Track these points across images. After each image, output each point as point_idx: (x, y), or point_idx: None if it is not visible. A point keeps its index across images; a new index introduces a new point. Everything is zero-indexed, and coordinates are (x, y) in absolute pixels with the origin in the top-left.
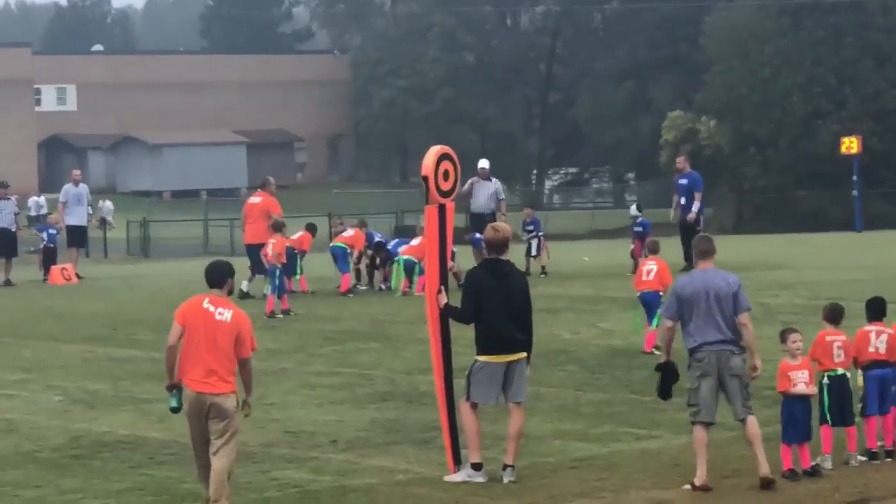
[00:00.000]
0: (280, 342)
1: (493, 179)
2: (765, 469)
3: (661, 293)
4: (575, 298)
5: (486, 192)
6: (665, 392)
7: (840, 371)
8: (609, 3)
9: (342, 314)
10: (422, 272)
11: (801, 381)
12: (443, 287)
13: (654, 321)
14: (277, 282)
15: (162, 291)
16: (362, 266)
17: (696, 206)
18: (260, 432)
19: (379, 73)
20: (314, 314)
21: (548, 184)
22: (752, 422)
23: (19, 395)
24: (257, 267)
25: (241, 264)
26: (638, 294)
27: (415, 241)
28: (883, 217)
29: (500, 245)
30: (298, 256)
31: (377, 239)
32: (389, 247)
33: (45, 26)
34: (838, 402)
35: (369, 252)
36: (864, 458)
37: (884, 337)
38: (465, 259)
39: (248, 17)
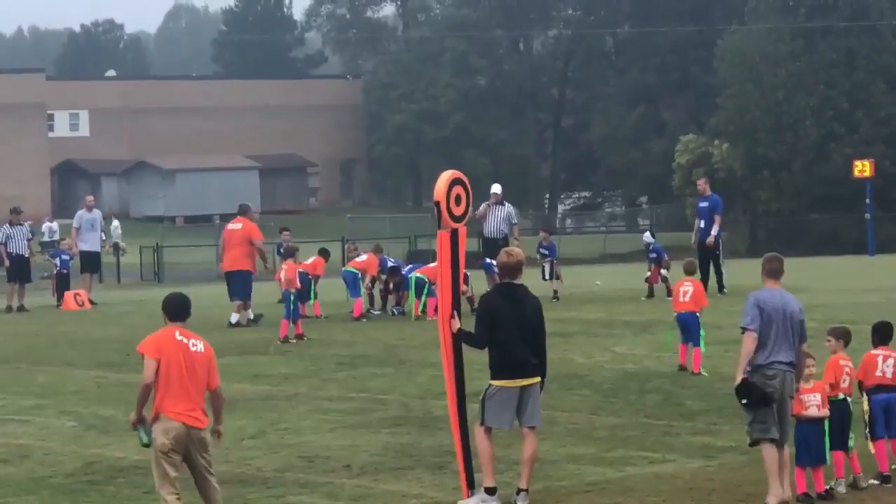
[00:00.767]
0: (293, 367)
1: (506, 204)
2: (781, 493)
3: (698, 314)
4: (588, 322)
5: (498, 217)
6: (760, 400)
7: (841, 396)
8: (621, 28)
9: (356, 339)
10: (431, 293)
11: (814, 405)
12: (455, 312)
13: (702, 344)
14: (292, 307)
15: None
16: (376, 291)
17: (715, 230)
18: (274, 457)
19: (391, 97)
20: (328, 339)
21: (560, 208)
22: (786, 449)
23: (33, 421)
24: (236, 292)
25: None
26: (675, 315)
27: (432, 264)
28: None
29: (514, 269)
30: (312, 281)
31: (391, 264)
32: (404, 272)
33: (58, 52)
34: (840, 427)
35: (383, 277)
36: (875, 482)
37: (891, 361)
38: (478, 284)
39: (261, 42)
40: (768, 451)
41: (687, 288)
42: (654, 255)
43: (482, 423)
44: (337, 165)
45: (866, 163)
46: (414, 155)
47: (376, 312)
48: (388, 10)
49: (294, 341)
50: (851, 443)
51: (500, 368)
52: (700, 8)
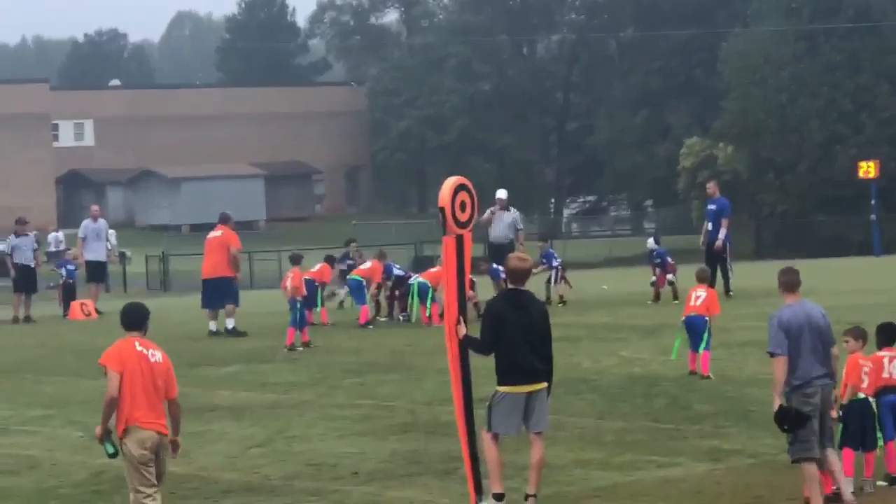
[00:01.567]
0: (300, 374)
1: (512, 209)
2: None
3: (707, 318)
4: (594, 327)
5: (504, 222)
6: (798, 421)
7: (861, 396)
8: (624, 31)
9: (362, 346)
10: (434, 299)
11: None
12: (461, 317)
13: (702, 345)
14: (298, 314)
15: (182, 325)
16: (382, 298)
17: (722, 233)
18: (282, 465)
19: (395, 103)
20: (334, 346)
21: (566, 212)
22: (833, 452)
23: (41, 432)
24: (221, 299)
25: (247, 298)
26: (683, 318)
27: (433, 269)
28: None
29: (524, 275)
30: (318, 289)
31: (397, 272)
32: (410, 280)
33: (62, 61)
34: (860, 427)
35: (388, 283)
36: (884, 483)
37: None
38: (484, 290)
39: (265, 49)
40: (810, 469)
41: (700, 294)
42: (657, 260)
43: (489, 429)
44: (342, 172)
45: (871, 164)
46: (418, 161)
47: (382, 319)
48: (392, 17)
49: (301, 349)
50: (880, 442)
51: (507, 374)
52: (703, 11)
